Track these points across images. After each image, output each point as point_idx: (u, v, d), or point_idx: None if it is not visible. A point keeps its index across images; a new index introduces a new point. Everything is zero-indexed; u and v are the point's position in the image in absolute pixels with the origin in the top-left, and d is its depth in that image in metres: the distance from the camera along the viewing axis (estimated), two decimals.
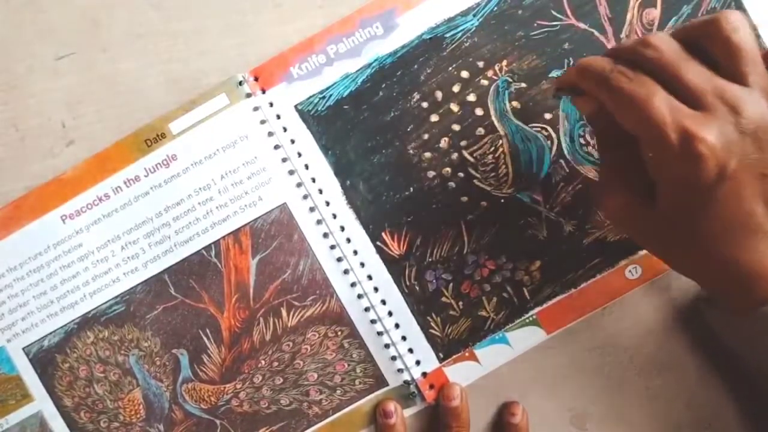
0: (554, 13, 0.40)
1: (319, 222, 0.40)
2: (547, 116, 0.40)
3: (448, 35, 0.40)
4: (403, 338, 0.41)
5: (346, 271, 0.41)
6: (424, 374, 0.41)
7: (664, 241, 0.33)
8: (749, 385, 0.39)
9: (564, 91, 0.35)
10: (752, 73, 0.30)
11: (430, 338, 0.41)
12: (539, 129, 0.40)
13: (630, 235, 0.35)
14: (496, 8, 0.40)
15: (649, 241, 0.34)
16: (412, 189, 0.41)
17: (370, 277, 0.41)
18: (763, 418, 0.40)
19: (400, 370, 0.41)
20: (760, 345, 0.34)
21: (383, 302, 0.41)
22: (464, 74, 0.40)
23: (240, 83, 0.40)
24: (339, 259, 0.40)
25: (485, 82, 0.40)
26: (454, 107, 0.41)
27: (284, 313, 0.41)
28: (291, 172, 0.40)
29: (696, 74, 0.30)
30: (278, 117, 0.40)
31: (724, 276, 0.32)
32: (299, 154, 0.41)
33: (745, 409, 0.40)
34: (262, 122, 0.40)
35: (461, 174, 0.41)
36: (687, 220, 0.31)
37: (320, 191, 0.41)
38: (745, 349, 0.36)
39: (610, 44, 0.40)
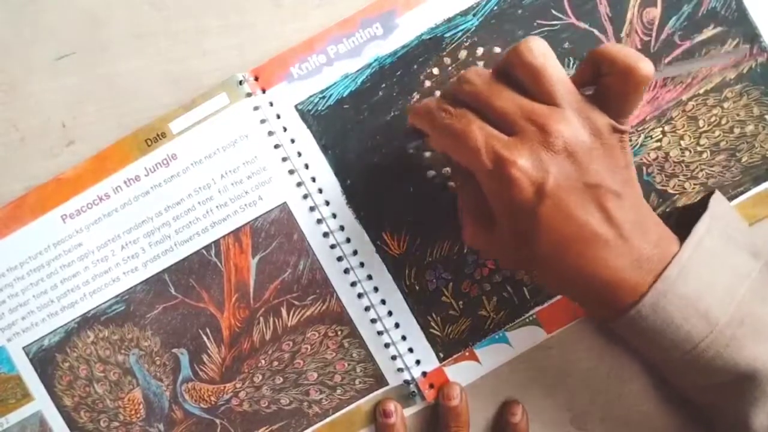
0: (554, 12, 0.40)
1: (319, 221, 0.40)
2: None
3: (447, 35, 0.40)
4: (403, 338, 0.41)
5: (346, 271, 0.41)
6: (424, 374, 0.41)
7: (521, 264, 0.33)
8: None
9: (413, 135, 0.37)
10: (560, 93, 0.30)
11: (430, 338, 0.41)
12: None
13: (496, 260, 0.35)
14: (495, 8, 0.40)
15: (511, 266, 0.35)
16: (412, 189, 0.41)
17: (370, 277, 0.41)
18: None
19: (400, 370, 0.41)
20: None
21: (383, 302, 0.41)
22: None
23: (240, 83, 0.40)
24: (339, 259, 0.40)
25: None
26: None
27: (284, 312, 0.41)
28: (291, 172, 0.40)
29: (505, 100, 0.30)
30: (278, 116, 0.40)
31: (584, 291, 0.32)
32: (299, 154, 0.41)
33: None
34: (262, 122, 0.40)
35: None
36: (525, 243, 0.31)
37: (320, 191, 0.41)
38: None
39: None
